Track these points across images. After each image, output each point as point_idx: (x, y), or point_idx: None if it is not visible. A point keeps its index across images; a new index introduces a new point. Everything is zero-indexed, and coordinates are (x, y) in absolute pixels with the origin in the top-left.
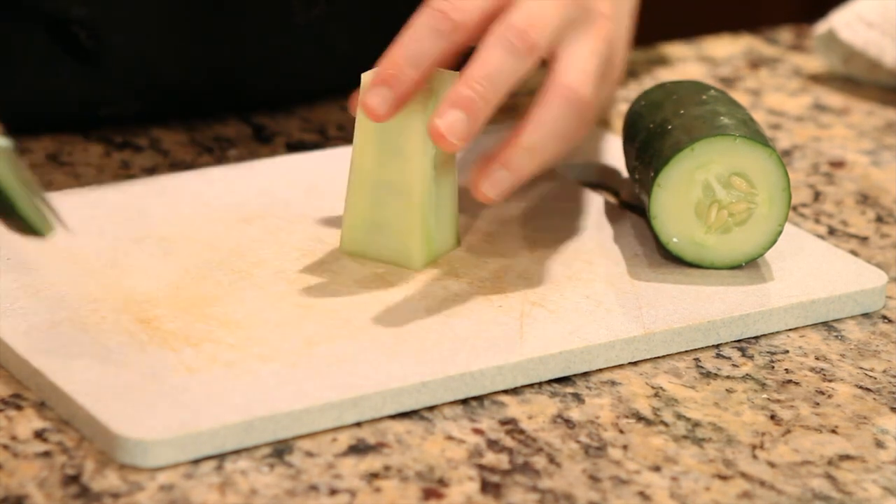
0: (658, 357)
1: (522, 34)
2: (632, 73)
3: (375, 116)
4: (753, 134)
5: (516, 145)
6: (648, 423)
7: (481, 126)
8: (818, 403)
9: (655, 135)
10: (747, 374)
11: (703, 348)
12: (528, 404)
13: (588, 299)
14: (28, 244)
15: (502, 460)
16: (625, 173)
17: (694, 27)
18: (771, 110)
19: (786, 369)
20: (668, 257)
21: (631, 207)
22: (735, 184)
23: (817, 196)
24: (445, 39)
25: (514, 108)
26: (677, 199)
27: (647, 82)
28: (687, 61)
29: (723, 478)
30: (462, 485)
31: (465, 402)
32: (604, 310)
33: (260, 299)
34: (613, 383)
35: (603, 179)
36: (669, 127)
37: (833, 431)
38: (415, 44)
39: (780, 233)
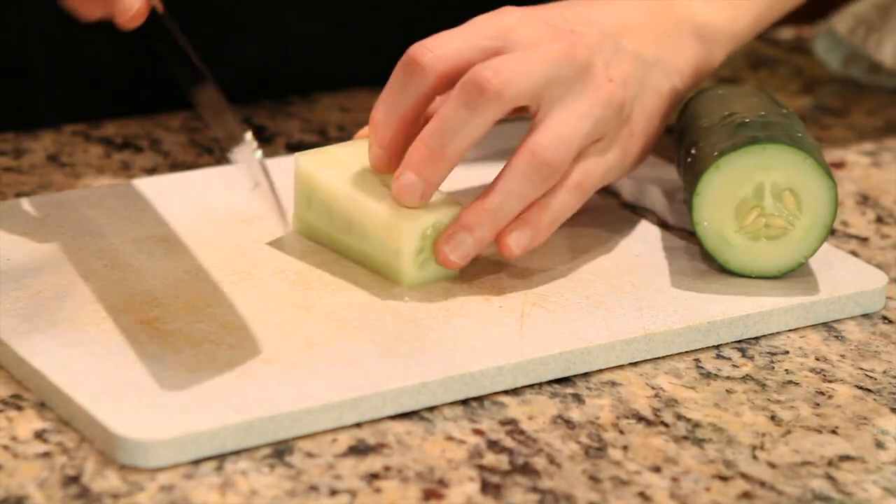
0: (658, 357)
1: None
2: None
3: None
4: (823, 163)
5: (478, 208)
6: (649, 423)
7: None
8: (818, 404)
9: (729, 122)
10: (747, 375)
11: (703, 349)
12: (529, 405)
13: (588, 299)
14: (27, 245)
15: (502, 461)
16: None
17: None
18: None
19: (786, 370)
20: (668, 258)
21: (631, 208)
22: (785, 199)
23: None
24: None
25: None
26: (727, 187)
27: None
28: None
29: (723, 478)
30: (462, 485)
31: (465, 402)
32: (604, 310)
33: (260, 300)
34: (614, 384)
35: None
36: (747, 120)
37: (833, 432)
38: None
39: (802, 264)
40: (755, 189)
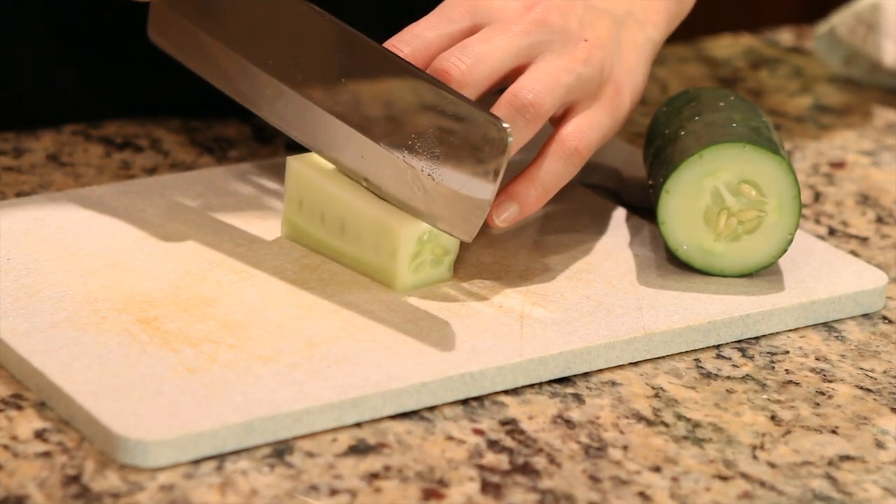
0: (658, 357)
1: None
2: None
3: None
4: (764, 141)
5: (527, 180)
6: (649, 423)
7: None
8: (818, 404)
9: (669, 141)
10: (747, 375)
11: (703, 349)
12: (529, 405)
13: (588, 299)
14: (28, 244)
15: (502, 461)
16: (625, 174)
17: (694, 27)
18: (771, 111)
19: (786, 370)
20: (668, 258)
21: (631, 208)
22: (744, 191)
23: (817, 197)
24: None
25: None
26: (686, 205)
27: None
28: (687, 61)
29: (723, 478)
30: (462, 485)
31: (465, 402)
32: (604, 310)
33: (260, 299)
34: (614, 384)
35: (603, 180)
36: (682, 133)
37: (833, 432)
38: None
39: (790, 241)
40: (712, 195)
